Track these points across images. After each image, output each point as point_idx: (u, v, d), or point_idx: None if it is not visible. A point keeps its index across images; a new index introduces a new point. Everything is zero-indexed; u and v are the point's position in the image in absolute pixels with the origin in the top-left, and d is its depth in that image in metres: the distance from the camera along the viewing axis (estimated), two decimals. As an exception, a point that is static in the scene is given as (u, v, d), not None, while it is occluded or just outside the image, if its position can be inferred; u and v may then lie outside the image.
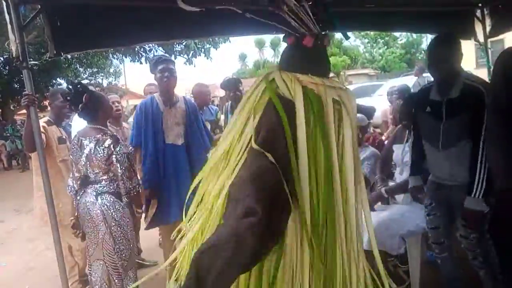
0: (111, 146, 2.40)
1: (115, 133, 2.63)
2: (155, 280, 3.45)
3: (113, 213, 2.40)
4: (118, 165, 2.39)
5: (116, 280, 2.47)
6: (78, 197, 2.49)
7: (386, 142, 3.90)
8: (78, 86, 2.53)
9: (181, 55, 11.22)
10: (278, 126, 1.12)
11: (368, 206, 1.32)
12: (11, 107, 17.78)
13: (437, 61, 2.14)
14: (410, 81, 11.86)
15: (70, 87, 2.54)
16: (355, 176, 1.22)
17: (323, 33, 1.27)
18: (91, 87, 2.60)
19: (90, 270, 2.54)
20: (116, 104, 3.57)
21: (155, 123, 2.99)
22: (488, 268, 2.16)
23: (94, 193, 2.43)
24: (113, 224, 2.39)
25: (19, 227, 5.92)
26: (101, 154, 2.40)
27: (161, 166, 2.98)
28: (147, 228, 3.11)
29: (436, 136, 2.20)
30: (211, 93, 4.82)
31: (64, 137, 3.22)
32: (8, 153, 14.00)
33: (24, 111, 2.77)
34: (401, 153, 2.84)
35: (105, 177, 2.43)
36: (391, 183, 2.90)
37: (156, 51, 11.05)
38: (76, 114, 3.52)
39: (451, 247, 2.40)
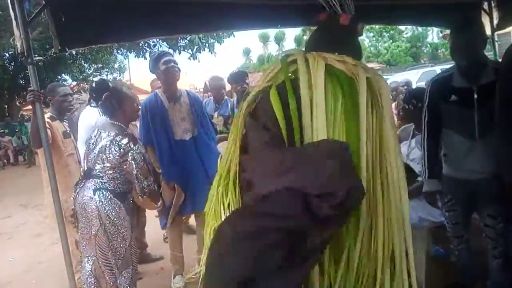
0: (129, 144, 2.38)
1: (132, 132, 2.63)
2: (160, 275, 3.49)
3: (109, 211, 2.37)
4: (134, 164, 2.37)
5: (107, 278, 2.45)
6: (78, 189, 2.47)
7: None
8: (101, 83, 2.54)
9: (185, 50, 11.22)
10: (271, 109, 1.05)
11: (407, 202, 1.16)
12: (17, 103, 17.91)
13: (463, 47, 2.05)
14: (415, 75, 11.84)
15: (96, 83, 2.56)
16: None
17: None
18: (119, 86, 2.58)
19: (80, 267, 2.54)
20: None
21: (162, 120, 2.98)
22: (506, 258, 2.15)
23: (93, 188, 2.41)
24: (107, 222, 2.37)
25: (26, 222, 5.97)
26: (116, 150, 2.38)
27: (176, 161, 3.01)
28: (167, 223, 3.10)
29: (470, 126, 2.10)
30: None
31: (68, 131, 3.24)
32: (15, 149, 14.12)
33: (29, 107, 2.77)
34: (407, 149, 2.82)
35: (110, 172, 2.41)
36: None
37: (161, 46, 11.07)
38: (86, 108, 3.54)
39: (468, 239, 2.39)
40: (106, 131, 2.45)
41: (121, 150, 2.37)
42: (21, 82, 15.72)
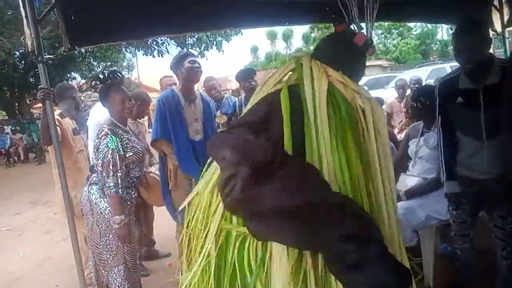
0: (102, 138, 2.41)
1: (125, 127, 2.64)
2: (167, 272, 3.51)
3: (100, 207, 2.41)
4: (100, 156, 2.39)
5: (103, 271, 2.53)
6: (85, 186, 2.55)
7: (398, 134, 3.88)
8: (104, 75, 2.57)
9: (193, 48, 11.24)
10: (275, 113, 1.07)
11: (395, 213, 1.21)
12: (27, 101, 18.12)
13: (467, 49, 2.03)
14: (424, 72, 11.74)
15: (99, 77, 2.58)
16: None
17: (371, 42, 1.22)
18: (117, 80, 2.57)
19: None
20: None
21: (179, 117, 3.01)
22: None
23: (89, 183, 2.49)
24: (99, 217, 2.42)
25: (36, 219, 6.05)
26: (96, 142, 2.45)
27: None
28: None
29: (477, 128, 2.09)
30: (222, 86, 4.81)
31: (78, 128, 3.28)
32: (25, 146, 14.28)
33: (39, 105, 2.81)
34: (415, 146, 2.81)
35: (100, 168, 2.45)
36: (403, 175, 2.87)
37: (169, 44, 11.10)
38: (95, 105, 3.56)
39: (473, 238, 2.37)
40: (103, 126, 2.51)
41: (97, 143, 2.43)
42: (31, 80, 15.91)
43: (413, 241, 2.60)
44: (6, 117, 18.70)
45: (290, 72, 1.22)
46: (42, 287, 3.51)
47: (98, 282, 2.63)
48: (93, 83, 2.54)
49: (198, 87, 4.50)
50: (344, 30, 1.24)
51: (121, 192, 2.40)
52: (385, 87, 12.71)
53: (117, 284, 2.48)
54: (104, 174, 2.38)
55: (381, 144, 1.14)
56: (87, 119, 3.72)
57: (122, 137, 2.49)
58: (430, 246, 2.65)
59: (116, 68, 18.26)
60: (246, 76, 3.90)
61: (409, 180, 2.81)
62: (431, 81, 8.23)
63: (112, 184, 2.37)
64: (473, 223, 2.35)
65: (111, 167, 2.37)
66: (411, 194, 2.67)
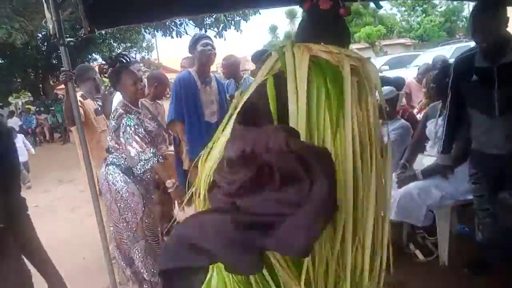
0: (121, 116, 2.49)
1: (143, 108, 2.72)
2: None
3: (118, 186, 2.50)
4: (123, 136, 2.47)
5: (124, 246, 2.65)
6: (102, 167, 2.65)
7: (417, 114, 3.83)
8: (111, 58, 2.63)
9: (211, 28, 11.21)
10: (259, 102, 1.07)
11: (390, 181, 1.25)
12: (51, 82, 18.51)
13: (484, 27, 2.06)
14: (448, 51, 11.36)
15: (108, 61, 2.64)
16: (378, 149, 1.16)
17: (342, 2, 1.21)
18: (124, 62, 2.63)
19: None
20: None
21: (194, 99, 3.06)
22: None
23: (107, 163, 2.58)
24: (117, 196, 2.51)
25: (63, 197, 6.30)
26: (112, 123, 2.52)
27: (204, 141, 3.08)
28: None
29: (489, 104, 2.14)
30: (241, 66, 4.81)
31: (99, 108, 3.37)
32: (50, 127, 14.72)
33: (63, 86, 2.90)
34: (434, 127, 2.79)
35: (116, 147, 2.54)
36: (420, 156, 2.86)
37: (187, 25, 11.10)
38: None
39: (494, 214, 2.37)
40: (117, 108, 2.58)
41: (115, 123, 2.49)
42: (54, 61, 16.21)
43: (428, 221, 2.62)
44: (32, 98, 19.22)
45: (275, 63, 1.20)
46: (70, 261, 3.68)
47: (122, 258, 2.75)
48: (102, 67, 2.60)
49: (217, 67, 4.53)
50: (310, 5, 1.22)
51: (161, 159, 2.51)
52: (407, 66, 12.39)
53: (140, 259, 2.60)
54: (134, 152, 2.45)
55: (373, 102, 1.15)
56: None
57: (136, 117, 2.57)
58: (446, 225, 2.66)
59: (126, 52, 18.42)
60: (261, 58, 3.90)
61: (426, 160, 2.81)
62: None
63: (149, 156, 2.46)
64: (493, 198, 2.35)
65: (140, 141, 2.45)
66: (427, 173, 2.67)
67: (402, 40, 28.08)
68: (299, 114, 1.04)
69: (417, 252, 2.78)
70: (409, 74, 8.90)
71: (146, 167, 2.49)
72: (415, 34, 29.69)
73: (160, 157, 2.56)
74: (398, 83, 3.93)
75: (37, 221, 4.93)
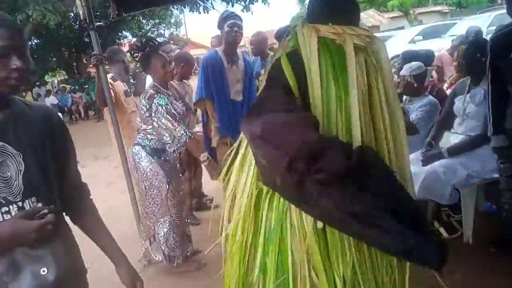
0: (152, 96, 2.57)
1: (172, 89, 2.81)
2: (216, 222, 3.77)
3: (143, 165, 2.63)
4: (155, 116, 2.55)
5: (148, 222, 2.80)
6: (131, 146, 2.79)
7: (447, 89, 3.73)
8: (141, 43, 2.70)
9: (238, 2, 11.08)
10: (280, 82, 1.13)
11: (408, 160, 1.27)
12: (84, 61, 19.03)
13: None
14: (487, 18, 10.74)
15: (138, 43, 2.72)
16: (393, 129, 1.20)
17: None
18: (156, 43, 2.68)
19: None
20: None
21: (221, 78, 3.14)
22: None
23: (135, 142, 2.72)
24: (143, 175, 2.65)
25: (99, 172, 6.61)
26: (144, 105, 2.61)
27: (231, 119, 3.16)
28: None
29: None
30: (269, 40, 4.78)
31: (129, 90, 3.50)
32: (85, 104, 15.24)
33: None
34: (462, 104, 2.72)
35: (144, 127, 2.65)
36: (447, 133, 2.82)
37: (214, 0, 11.01)
38: None
39: None
40: (147, 90, 2.67)
41: (147, 104, 2.57)
42: (86, 40, 16.59)
43: (454, 199, 2.61)
44: (66, 77, 19.88)
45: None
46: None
47: (147, 233, 2.92)
48: (132, 53, 2.69)
49: (245, 42, 4.54)
50: None
51: (191, 135, 2.59)
52: (442, 36, 11.81)
53: (163, 234, 2.75)
54: (167, 131, 2.54)
55: (382, 79, 1.17)
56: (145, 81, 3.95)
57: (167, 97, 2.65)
58: (471, 203, 2.63)
59: (151, 35, 18.51)
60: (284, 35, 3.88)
61: (452, 138, 2.76)
62: (493, 29, 7.57)
63: (181, 133, 2.54)
64: None
65: (172, 120, 2.54)
66: (454, 151, 2.63)
67: (438, 7, 26.65)
68: (314, 88, 1.11)
69: (442, 229, 2.77)
70: (444, 45, 8.52)
71: (179, 144, 2.58)
72: (452, 1, 28.09)
73: (191, 134, 2.65)
74: (428, 57, 3.81)
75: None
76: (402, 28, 19.07)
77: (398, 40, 12.79)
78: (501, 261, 2.42)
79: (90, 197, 1.35)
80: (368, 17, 21.49)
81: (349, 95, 1.11)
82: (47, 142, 1.11)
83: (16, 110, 1.08)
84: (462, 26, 10.05)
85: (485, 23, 9.83)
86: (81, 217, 1.27)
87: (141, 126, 2.68)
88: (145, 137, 2.68)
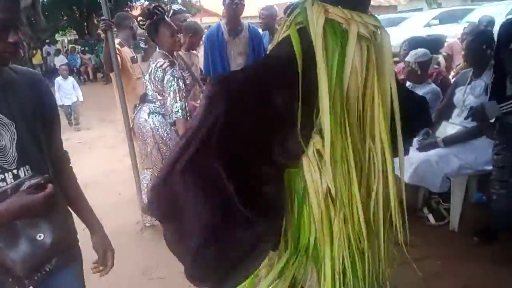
0: (166, 68, 2.62)
1: (179, 59, 2.83)
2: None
3: (161, 132, 2.71)
4: (167, 86, 2.61)
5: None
6: (136, 111, 2.85)
7: (453, 78, 3.72)
8: (148, 11, 2.72)
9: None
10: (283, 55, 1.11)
11: (402, 152, 1.24)
12: (95, 21, 18.84)
13: None
14: (507, 6, 10.41)
15: (145, 14, 2.74)
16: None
17: None
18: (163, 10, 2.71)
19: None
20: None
21: (220, 52, 3.15)
22: None
23: (148, 111, 2.75)
24: (160, 142, 2.73)
25: (103, 135, 6.72)
26: (158, 75, 2.65)
27: None
28: None
29: None
30: (280, 14, 4.74)
31: (135, 57, 3.53)
32: (94, 66, 15.23)
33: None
34: (463, 95, 2.74)
35: (160, 97, 2.71)
36: (445, 123, 2.85)
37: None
38: None
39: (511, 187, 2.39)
40: (153, 59, 2.71)
41: (161, 74, 2.62)
42: (98, 0, 16.40)
43: (444, 187, 2.67)
44: (77, 37, 19.74)
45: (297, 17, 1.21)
46: (107, 193, 4.05)
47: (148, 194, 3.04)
48: (139, 20, 2.71)
49: (259, 13, 4.48)
50: None
51: (186, 115, 2.65)
52: (459, 21, 11.53)
53: None
54: (171, 101, 2.61)
55: (382, 75, 1.16)
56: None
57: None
58: (460, 193, 2.70)
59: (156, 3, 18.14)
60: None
61: (449, 128, 2.80)
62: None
63: (179, 109, 2.61)
64: None
65: (178, 93, 2.60)
66: (449, 141, 2.68)
67: (459, -9, 25.85)
68: (321, 74, 1.09)
69: (430, 216, 2.86)
70: (459, 31, 8.35)
71: (171, 118, 2.69)
72: (475, -15, 27.21)
73: (188, 114, 2.69)
74: (436, 44, 3.79)
75: (80, 156, 5.39)
76: (420, 9, 18.58)
77: (414, 23, 12.51)
78: (481, 249, 2.52)
79: (70, 165, 1.35)
80: (387, -4, 20.94)
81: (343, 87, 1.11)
82: (37, 110, 1.11)
83: (6, 79, 1.07)
84: (481, 12, 9.76)
85: (504, 10, 9.56)
86: (62, 185, 1.26)
87: (155, 96, 2.74)
88: (163, 106, 2.75)
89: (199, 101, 3.60)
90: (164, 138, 2.73)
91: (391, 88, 1.18)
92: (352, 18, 1.14)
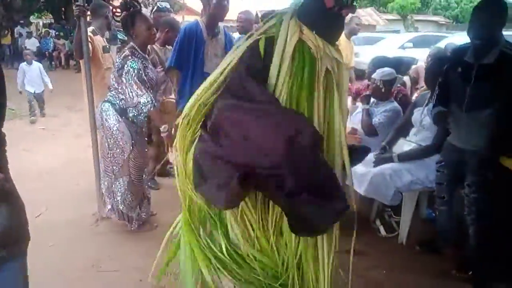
0: (127, 57, 2.61)
1: (153, 53, 2.82)
2: (175, 189, 3.86)
3: (110, 123, 2.69)
4: (124, 77, 2.60)
5: (107, 178, 2.87)
6: (100, 102, 2.84)
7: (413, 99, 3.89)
8: (124, 2, 2.71)
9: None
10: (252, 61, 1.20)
11: (349, 167, 1.31)
12: (73, 7, 18.38)
13: (478, 25, 2.12)
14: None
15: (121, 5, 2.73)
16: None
17: (349, 3, 1.21)
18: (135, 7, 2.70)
19: None
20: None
21: (198, 50, 3.10)
22: (478, 225, 2.28)
23: (104, 99, 2.76)
24: (107, 131, 2.71)
25: (69, 123, 6.56)
26: (117, 64, 2.66)
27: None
28: None
29: (462, 98, 2.24)
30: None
31: (108, 46, 3.50)
32: (67, 53, 14.80)
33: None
34: (420, 115, 2.89)
35: (115, 86, 2.70)
36: (402, 140, 2.99)
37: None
38: None
39: (451, 203, 2.53)
40: (125, 49, 2.70)
41: (120, 63, 2.62)
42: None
43: (396, 201, 2.79)
44: (53, 21, 19.16)
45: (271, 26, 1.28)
46: (66, 183, 3.97)
47: (105, 190, 2.98)
48: (114, 12, 2.69)
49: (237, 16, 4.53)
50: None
51: (156, 106, 2.64)
52: (431, 46, 12.02)
53: (121, 193, 2.84)
54: (132, 94, 2.59)
55: (340, 104, 1.25)
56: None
57: (141, 61, 2.69)
58: (410, 208, 2.84)
59: None
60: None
61: (406, 146, 2.93)
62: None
63: (146, 101, 2.60)
64: (450, 188, 2.51)
65: (140, 85, 2.59)
66: (403, 157, 2.81)
67: (436, 18, 26.95)
68: (279, 81, 1.18)
69: (381, 227, 2.98)
70: (429, 56, 8.68)
71: (143, 110, 2.66)
72: (451, 14, 28.43)
73: (157, 104, 2.70)
74: (403, 66, 3.96)
75: (43, 143, 5.25)
76: (398, 31, 19.22)
77: (389, 43, 12.98)
78: (421, 261, 2.67)
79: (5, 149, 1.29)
80: (366, 15, 21.52)
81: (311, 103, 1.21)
82: None
83: None
84: (453, 40, 10.23)
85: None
86: None
87: (113, 84, 2.73)
88: (116, 96, 2.72)
89: (171, 96, 3.60)
90: (111, 129, 2.69)
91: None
92: (322, 48, 1.21)
